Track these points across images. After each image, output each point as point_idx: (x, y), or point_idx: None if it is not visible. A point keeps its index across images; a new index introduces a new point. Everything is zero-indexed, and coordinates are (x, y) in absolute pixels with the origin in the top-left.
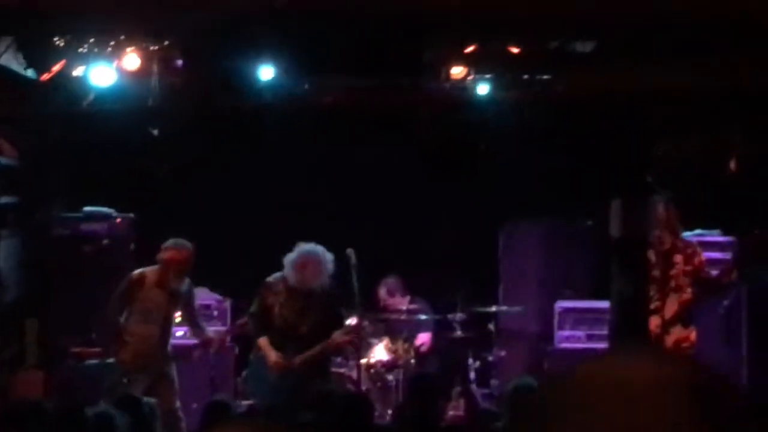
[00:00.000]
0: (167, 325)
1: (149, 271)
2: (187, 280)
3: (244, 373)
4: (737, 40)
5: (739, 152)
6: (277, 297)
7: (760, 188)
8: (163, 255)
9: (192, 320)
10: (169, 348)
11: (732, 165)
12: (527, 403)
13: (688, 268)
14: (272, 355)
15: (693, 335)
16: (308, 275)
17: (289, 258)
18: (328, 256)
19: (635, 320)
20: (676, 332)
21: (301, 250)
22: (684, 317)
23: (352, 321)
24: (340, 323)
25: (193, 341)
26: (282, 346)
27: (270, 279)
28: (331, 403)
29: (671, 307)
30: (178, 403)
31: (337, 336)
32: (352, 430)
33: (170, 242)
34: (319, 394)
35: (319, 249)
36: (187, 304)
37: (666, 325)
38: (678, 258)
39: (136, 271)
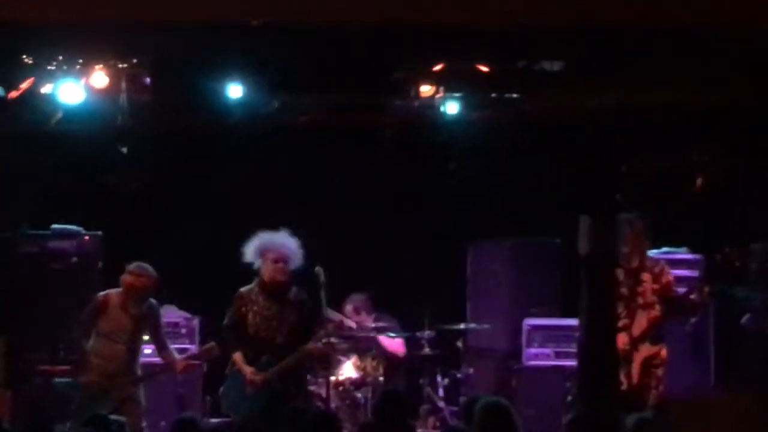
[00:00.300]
0: (134, 346)
1: (114, 293)
2: (151, 302)
3: (221, 389)
4: (705, 59)
5: (706, 171)
6: (251, 306)
7: (726, 207)
8: (124, 278)
9: (158, 341)
10: (137, 369)
11: (698, 183)
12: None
13: (656, 286)
14: (247, 371)
15: (663, 352)
16: (280, 266)
17: (254, 249)
18: (294, 242)
19: (603, 338)
20: (645, 349)
21: (269, 240)
22: (653, 334)
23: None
24: (312, 329)
25: (160, 359)
26: (257, 358)
27: (242, 289)
28: (300, 421)
29: (640, 325)
30: (144, 423)
31: (310, 345)
32: None
33: (133, 266)
34: (289, 412)
35: (284, 235)
36: (152, 325)
37: (634, 342)
38: (646, 276)
39: (101, 293)
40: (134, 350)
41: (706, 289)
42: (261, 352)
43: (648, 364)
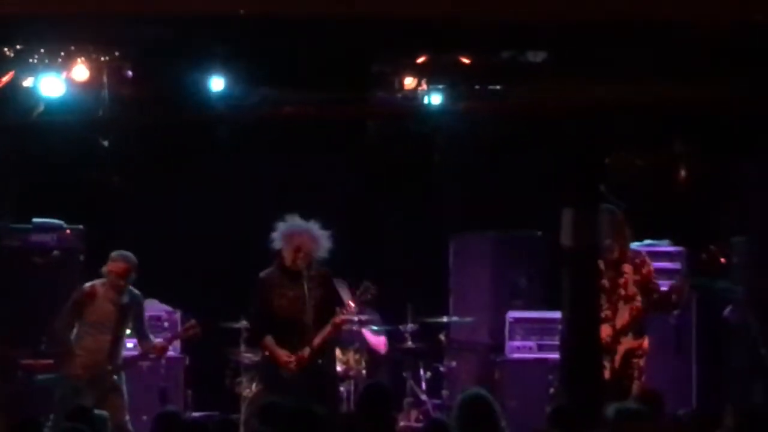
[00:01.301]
0: (117, 337)
1: (99, 283)
2: (134, 292)
3: (256, 378)
4: (689, 53)
5: (689, 164)
6: (274, 289)
7: (708, 200)
8: (107, 267)
9: (140, 332)
10: (120, 360)
11: (681, 176)
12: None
13: (637, 277)
14: (282, 355)
15: (645, 344)
16: (302, 255)
17: (282, 232)
18: (323, 233)
19: (586, 329)
20: (627, 342)
21: (296, 226)
22: (635, 327)
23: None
24: (338, 301)
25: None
26: (288, 339)
27: (262, 274)
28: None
29: (622, 317)
30: (127, 417)
31: (336, 318)
32: None
33: (114, 254)
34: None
35: (314, 226)
36: (135, 315)
37: (617, 335)
38: (627, 268)
39: (87, 285)
40: (118, 341)
41: (687, 288)
42: (290, 333)
43: (630, 355)
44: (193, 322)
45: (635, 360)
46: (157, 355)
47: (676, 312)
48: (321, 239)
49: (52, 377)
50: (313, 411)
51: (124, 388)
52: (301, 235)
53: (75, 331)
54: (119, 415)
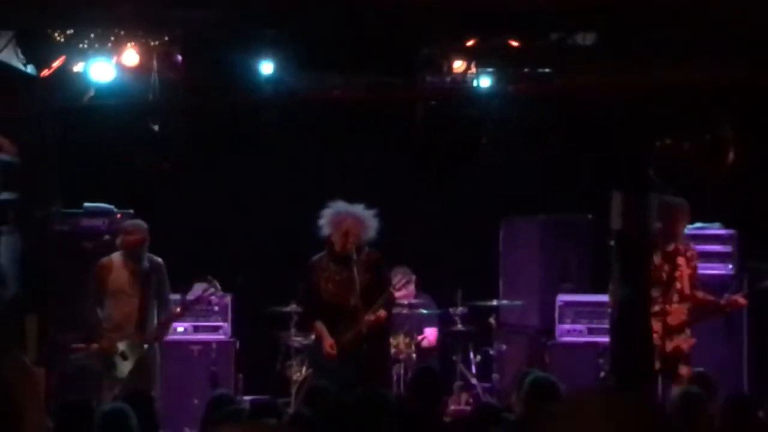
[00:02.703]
0: (143, 306)
1: (115, 255)
2: (153, 258)
3: (304, 368)
4: (739, 35)
5: (737, 147)
6: (323, 273)
7: (760, 182)
8: (120, 239)
9: (160, 298)
10: (151, 331)
11: (730, 158)
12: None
13: (689, 271)
14: (326, 342)
15: (692, 341)
16: (350, 235)
17: (329, 218)
18: (370, 215)
19: (636, 321)
20: (680, 340)
21: (343, 211)
22: (689, 326)
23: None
24: (386, 285)
25: (192, 337)
26: (335, 324)
27: (314, 258)
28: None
29: (678, 316)
30: (154, 392)
31: (375, 308)
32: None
33: (126, 224)
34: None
35: (358, 208)
36: (157, 281)
37: (670, 332)
38: (681, 260)
39: (104, 258)
40: (145, 309)
41: (740, 298)
42: (337, 317)
43: (677, 352)
44: (211, 280)
45: (682, 349)
46: (177, 317)
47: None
48: (368, 222)
49: (85, 356)
50: (364, 395)
51: (158, 359)
52: (348, 219)
53: (104, 306)
54: (148, 387)
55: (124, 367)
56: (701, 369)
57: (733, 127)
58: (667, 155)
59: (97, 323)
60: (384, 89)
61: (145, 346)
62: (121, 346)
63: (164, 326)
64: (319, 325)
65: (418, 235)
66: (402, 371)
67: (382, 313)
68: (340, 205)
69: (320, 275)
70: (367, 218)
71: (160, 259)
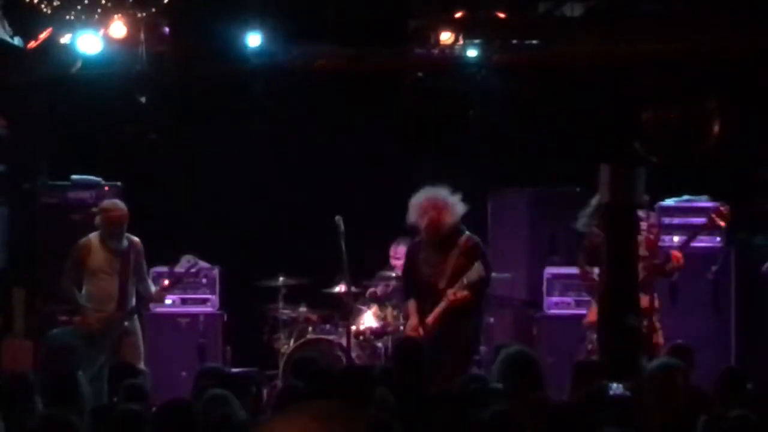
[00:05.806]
0: (123, 282)
1: (93, 235)
2: (131, 238)
3: (292, 341)
4: (724, 6)
5: (722, 118)
6: (419, 254)
7: (747, 153)
8: (98, 218)
9: (138, 276)
10: (131, 306)
11: (715, 130)
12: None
13: (651, 236)
14: (411, 322)
15: (656, 303)
16: (432, 221)
17: (413, 207)
18: (453, 199)
19: (624, 285)
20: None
21: (422, 194)
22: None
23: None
24: (482, 271)
25: (180, 310)
26: (423, 304)
27: (414, 241)
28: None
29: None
30: (142, 364)
31: (452, 291)
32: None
33: (104, 204)
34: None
35: (441, 192)
36: (135, 261)
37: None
38: (644, 225)
39: (83, 239)
40: (124, 287)
41: (682, 260)
42: (427, 298)
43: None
44: (191, 257)
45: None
46: (157, 301)
47: (714, 268)
48: (451, 206)
49: (67, 330)
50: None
51: (139, 332)
52: (429, 207)
53: (84, 285)
54: (134, 360)
55: (106, 344)
56: (680, 341)
57: (718, 98)
58: (654, 127)
59: (74, 301)
60: (372, 60)
61: (126, 322)
62: (101, 323)
63: (145, 305)
64: (412, 305)
65: (404, 207)
66: (389, 343)
67: (462, 293)
68: (422, 194)
69: (417, 256)
70: (449, 203)
71: (137, 239)
